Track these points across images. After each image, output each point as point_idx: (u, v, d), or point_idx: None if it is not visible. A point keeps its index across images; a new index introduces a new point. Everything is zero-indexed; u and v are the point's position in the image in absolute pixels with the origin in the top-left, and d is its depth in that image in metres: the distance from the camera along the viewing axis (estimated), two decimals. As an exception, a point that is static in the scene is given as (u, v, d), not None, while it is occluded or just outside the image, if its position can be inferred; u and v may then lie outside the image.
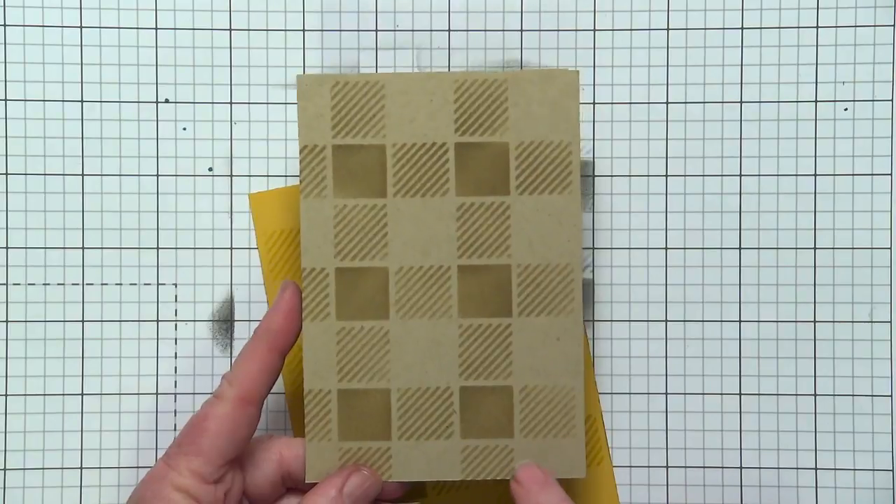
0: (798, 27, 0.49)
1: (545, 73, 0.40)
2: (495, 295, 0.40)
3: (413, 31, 0.49)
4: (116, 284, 0.49)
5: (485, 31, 0.49)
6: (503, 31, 0.49)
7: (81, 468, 0.49)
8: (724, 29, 0.49)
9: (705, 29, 0.49)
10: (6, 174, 0.49)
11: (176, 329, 0.49)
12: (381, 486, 0.40)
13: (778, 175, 0.49)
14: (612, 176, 0.49)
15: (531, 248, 0.40)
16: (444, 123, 0.40)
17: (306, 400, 0.40)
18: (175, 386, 0.49)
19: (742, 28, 0.49)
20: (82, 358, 0.49)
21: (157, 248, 0.49)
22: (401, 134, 0.40)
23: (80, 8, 0.49)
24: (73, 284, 0.49)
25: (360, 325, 0.40)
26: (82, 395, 0.49)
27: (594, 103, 0.49)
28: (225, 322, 0.49)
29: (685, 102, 0.49)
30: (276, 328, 0.40)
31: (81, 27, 0.49)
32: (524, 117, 0.40)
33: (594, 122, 0.49)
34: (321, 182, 0.40)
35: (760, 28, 0.49)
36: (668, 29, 0.49)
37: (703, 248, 0.49)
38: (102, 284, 0.49)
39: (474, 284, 0.40)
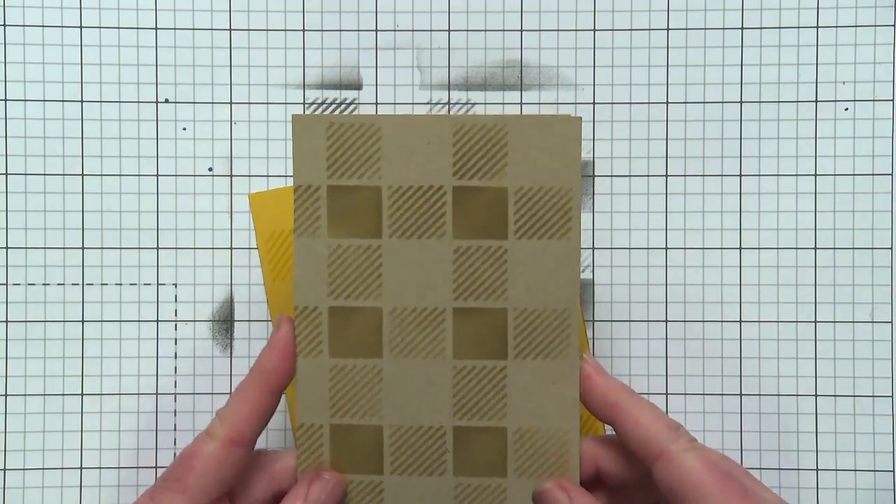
0: (798, 27, 0.49)
1: (545, 120, 0.40)
2: (490, 337, 0.40)
3: (413, 31, 0.49)
4: (116, 284, 0.49)
5: (485, 31, 0.49)
6: (503, 31, 0.49)
7: (81, 468, 0.49)
8: (724, 29, 0.49)
9: (705, 29, 0.49)
10: (6, 174, 0.49)
11: (176, 329, 0.49)
12: (344, 487, 0.40)
13: (778, 175, 0.49)
14: (612, 176, 0.49)
15: (528, 292, 0.40)
16: (441, 166, 0.40)
17: (298, 434, 0.40)
18: (175, 386, 0.49)
19: (742, 28, 0.49)
20: (82, 358, 0.49)
21: (157, 248, 0.49)
22: (397, 176, 0.40)
23: (80, 8, 0.49)
24: (73, 284, 0.49)
25: (352, 363, 0.40)
26: (82, 395, 0.49)
27: (594, 103, 0.49)
28: (225, 322, 0.49)
29: (685, 102, 0.49)
30: (271, 368, 0.39)
31: (81, 27, 0.49)
32: (524, 163, 0.39)
33: (594, 122, 0.49)
34: (315, 221, 0.40)
35: (760, 28, 0.49)
36: (668, 29, 0.49)
37: (703, 248, 0.49)
38: (102, 284, 0.49)
39: (469, 327, 0.40)
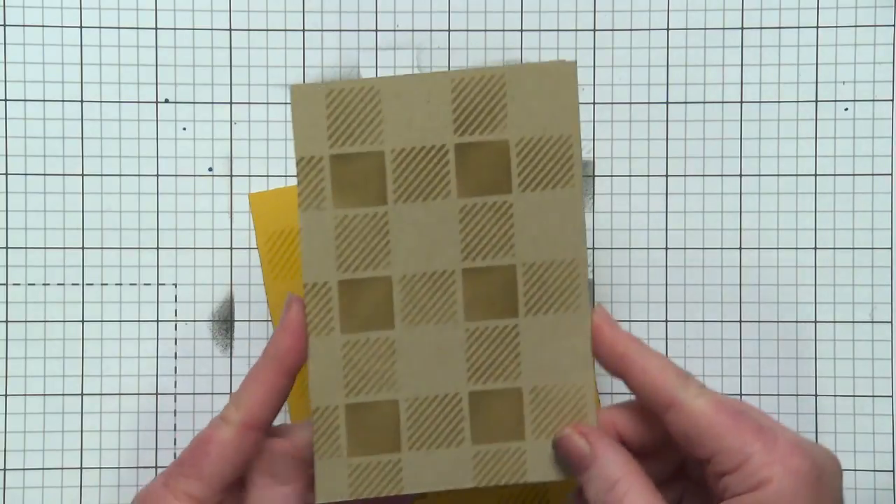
0: (798, 27, 0.49)
1: (541, 67, 0.39)
2: (501, 296, 0.40)
3: (413, 31, 0.49)
4: (116, 284, 0.49)
5: (485, 31, 0.49)
6: (503, 31, 0.49)
7: (81, 468, 0.49)
8: (724, 29, 0.49)
9: (705, 29, 0.49)
10: (6, 174, 0.49)
11: (176, 329, 0.49)
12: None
13: (778, 175, 0.49)
14: (612, 176, 0.49)
15: (535, 245, 0.40)
16: (442, 124, 0.39)
17: (314, 417, 0.40)
18: (175, 386, 0.49)
19: (742, 28, 0.49)
20: (82, 358, 0.49)
21: (157, 248, 0.49)
22: (399, 138, 0.39)
23: (80, 8, 0.49)
24: (73, 284, 0.49)
25: (365, 337, 0.40)
26: (82, 395, 0.49)
27: (594, 103, 0.49)
28: (225, 322, 0.49)
29: (685, 102, 0.49)
30: (285, 349, 0.39)
31: (81, 27, 0.49)
32: (523, 113, 0.39)
33: (594, 122, 0.49)
34: (320, 193, 0.39)
35: (760, 28, 0.49)
36: (668, 29, 0.49)
37: (703, 248, 0.49)
38: (102, 284, 0.49)
39: (479, 287, 0.40)
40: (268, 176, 0.49)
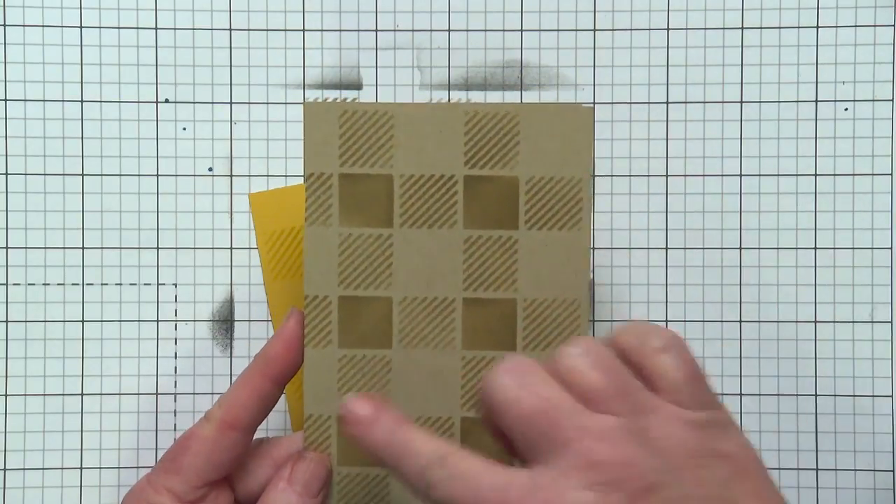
0: (798, 27, 0.49)
1: (557, 109, 0.40)
2: (500, 328, 0.40)
3: (413, 31, 0.49)
4: (116, 284, 0.49)
5: (485, 31, 0.49)
6: (503, 31, 0.49)
7: (81, 468, 0.49)
8: (724, 29, 0.49)
9: (705, 29, 0.49)
10: (6, 174, 0.49)
11: (176, 329, 0.49)
12: (328, 467, 0.40)
13: (778, 175, 0.49)
14: (612, 176, 0.49)
15: (538, 282, 0.40)
16: (453, 155, 0.40)
17: (306, 424, 0.40)
18: (175, 386, 0.49)
19: (742, 28, 0.49)
20: (82, 358, 0.49)
21: (157, 248, 0.49)
22: (409, 165, 0.40)
23: (80, 8, 0.49)
24: (73, 284, 0.49)
25: (361, 354, 0.40)
26: (82, 395, 0.49)
27: (594, 103, 0.49)
28: (225, 322, 0.49)
29: (685, 102, 0.49)
30: (273, 355, 0.40)
31: (81, 27, 0.49)
32: (535, 152, 0.40)
33: (594, 122, 0.49)
34: (327, 210, 0.40)
35: (760, 28, 0.49)
36: (668, 29, 0.49)
37: (703, 249, 0.49)
38: (102, 284, 0.49)
39: (479, 317, 0.40)
40: (268, 176, 0.49)
